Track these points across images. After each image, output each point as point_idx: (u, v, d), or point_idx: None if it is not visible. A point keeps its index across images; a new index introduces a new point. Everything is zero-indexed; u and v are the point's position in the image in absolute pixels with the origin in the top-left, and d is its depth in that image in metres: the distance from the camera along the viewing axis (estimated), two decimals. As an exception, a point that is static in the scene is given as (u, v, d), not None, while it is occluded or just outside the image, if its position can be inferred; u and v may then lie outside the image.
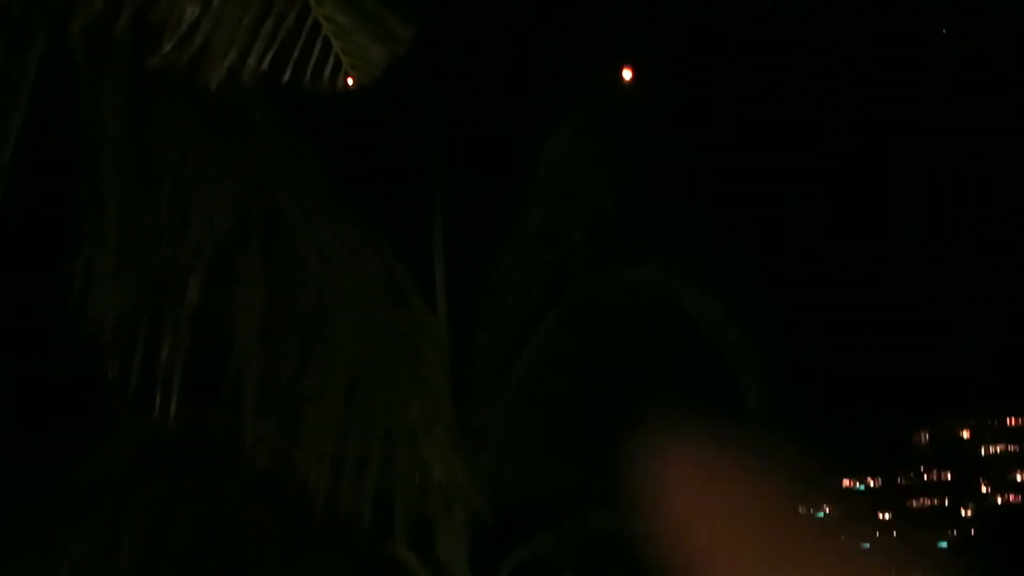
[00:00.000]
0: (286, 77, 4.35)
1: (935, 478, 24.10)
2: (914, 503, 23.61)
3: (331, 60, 4.31)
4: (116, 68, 5.11)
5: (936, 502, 24.00)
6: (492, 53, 9.97)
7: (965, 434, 24.69)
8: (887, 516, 22.83)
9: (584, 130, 9.16)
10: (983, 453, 24.68)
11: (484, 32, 9.99)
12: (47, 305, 5.84)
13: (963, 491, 24.14)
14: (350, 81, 4.32)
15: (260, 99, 5.99)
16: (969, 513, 24.31)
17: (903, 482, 23.52)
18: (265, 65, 4.37)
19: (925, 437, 24.23)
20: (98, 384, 5.73)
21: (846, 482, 21.71)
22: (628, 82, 10.16)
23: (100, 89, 5.25)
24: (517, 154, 9.34)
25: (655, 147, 9.36)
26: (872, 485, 22.83)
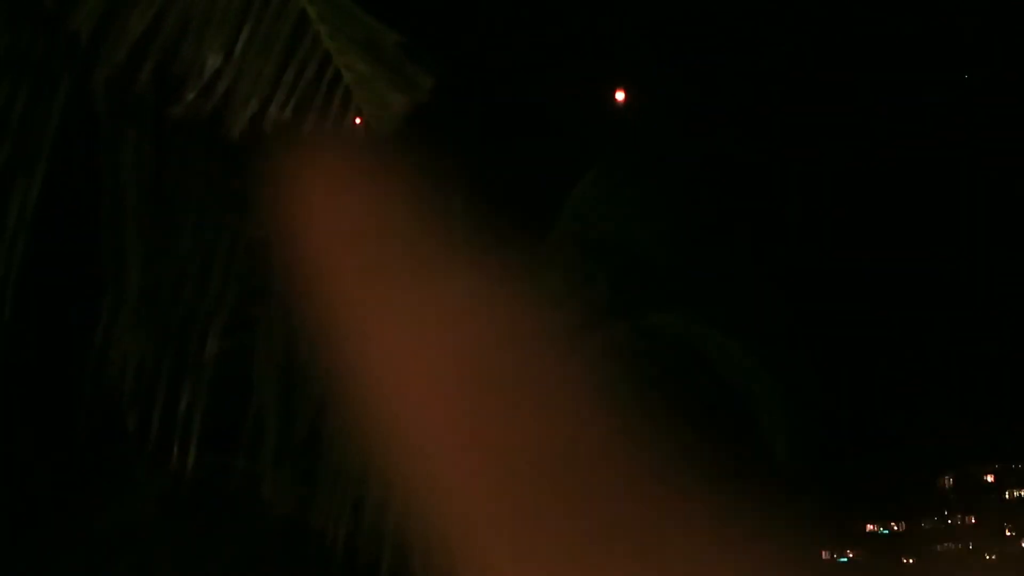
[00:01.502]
0: (307, 126, 4.35)
1: (959, 522, 23.91)
2: (938, 547, 23.43)
3: (352, 109, 4.31)
4: (138, 118, 5.11)
5: (960, 547, 23.81)
6: (517, 98, 9.97)
7: (989, 478, 24.50)
8: (911, 561, 22.65)
9: (609, 177, 9.14)
10: (1007, 497, 24.51)
11: (506, 76, 9.99)
12: (68, 355, 5.84)
13: (987, 536, 23.98)
14: (368, 129, 4.32)
15: (281, 146, 5.99)
16: (994, 558, 24.13)
17: (927, 526, 23.34)
18: (286, 114, 4.37)
19: (949, 481, 24.05)
20: (119, 433, 5.72)
21: (870, 526, 21.55)
22: (622, 103, 10.14)
23: (122, 138, 5.25)
24: (541, 200, 9.32)
25: (681, 193, 9.34)
26: (896, 529, 22.67)
